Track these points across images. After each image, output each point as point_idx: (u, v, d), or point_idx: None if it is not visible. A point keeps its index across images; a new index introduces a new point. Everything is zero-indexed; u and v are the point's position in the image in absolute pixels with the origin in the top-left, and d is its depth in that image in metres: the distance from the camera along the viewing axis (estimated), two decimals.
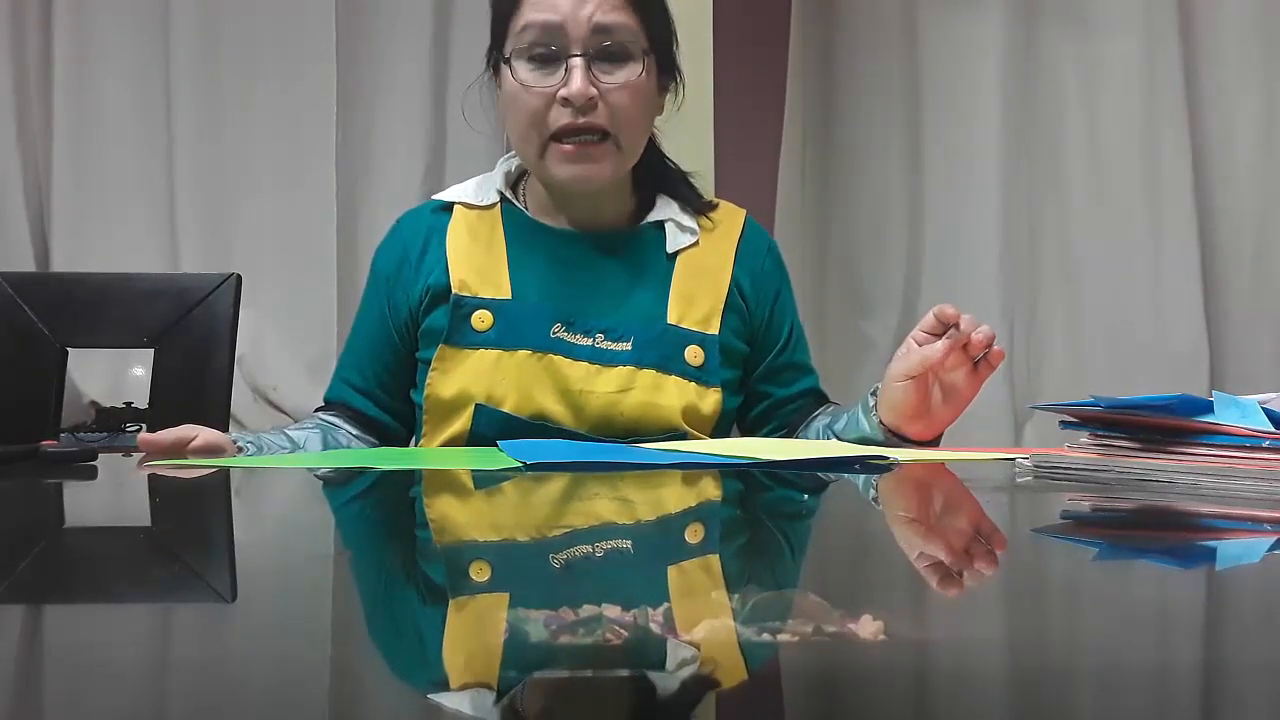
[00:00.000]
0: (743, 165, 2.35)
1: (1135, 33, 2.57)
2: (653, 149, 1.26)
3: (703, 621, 0.32)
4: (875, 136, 2.62)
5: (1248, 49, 2.57)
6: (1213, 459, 0.75)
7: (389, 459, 1.01)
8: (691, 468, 0.87)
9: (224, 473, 0.92)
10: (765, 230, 1.34)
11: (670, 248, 1.24)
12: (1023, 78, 2.59)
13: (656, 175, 1.27)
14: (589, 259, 1.22)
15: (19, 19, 2.39)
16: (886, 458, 0.91)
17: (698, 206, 1.27)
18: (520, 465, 0.84)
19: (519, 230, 1.23)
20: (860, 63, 2.63)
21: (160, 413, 1.41)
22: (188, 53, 2.39)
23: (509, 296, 1.19)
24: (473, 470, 0.88)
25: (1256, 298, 2.57)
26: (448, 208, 1.25)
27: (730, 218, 1.30)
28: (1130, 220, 2.58)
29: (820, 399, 1.31)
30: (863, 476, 0.87)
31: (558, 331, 1.18)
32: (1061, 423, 0.88)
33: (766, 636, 0.31)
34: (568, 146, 1.14)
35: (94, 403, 2.29)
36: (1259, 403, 0.77)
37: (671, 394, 1.18)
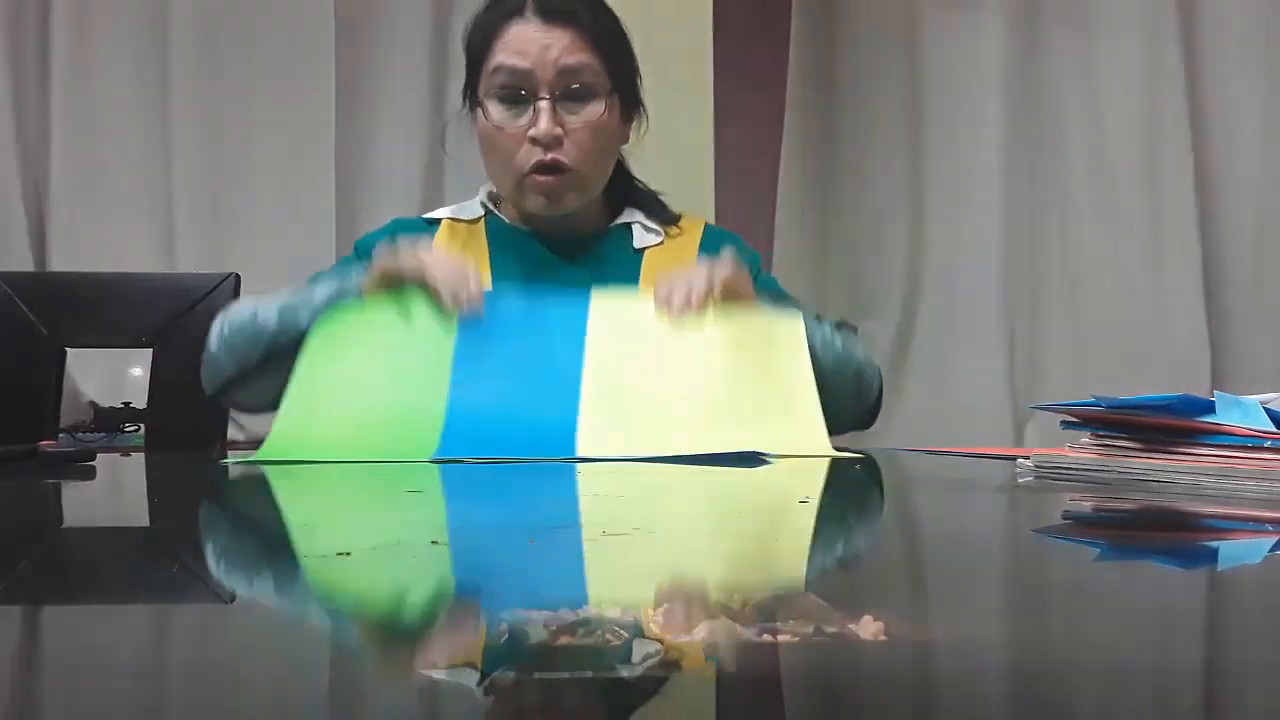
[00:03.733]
0: (743, 166, 2.35)
1: (1136, 32, 2.57)
2: (620, 172, 1.37)
3: (702, 622, 0.32)
4: (875, 137, 2.62)
5: (1249, 49, 2.57)
6: (1214, 459, 0.75)
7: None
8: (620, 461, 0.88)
9: (223, 471, 0.92)
10: (729, 232, 1.42)
11: (637, 244, 1.34)
12: (1023, 78, 2.59)
13: (624, 193, 1.38)
14: (564, 256, 1.32)
15: (18, 18, 2.39)
16: (764, 457, 0.92)
17: (663, 218, 1.37)
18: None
19: (500, 235, 1.33)
20: (860, 63, 2.63)
21: (159, 413, 1.41)
22: (186, 53, 2.39)
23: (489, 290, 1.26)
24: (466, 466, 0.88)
25: (1258, 297, 2.57)
26: (435, 222, 1.35)
27: (691, 225, 1.39)
28: (1131, 219, 2.58)
29: None
30: (865, 476, 0.87)
31: None
32: (1062, 423, 0.88)
33: (766, 637, 0.31)
34: (538, 179, 1.24)
35: (92, 403, 2.29)
36: (1260, 403, 0.77)
37: None
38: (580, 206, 1.30)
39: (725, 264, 1.14)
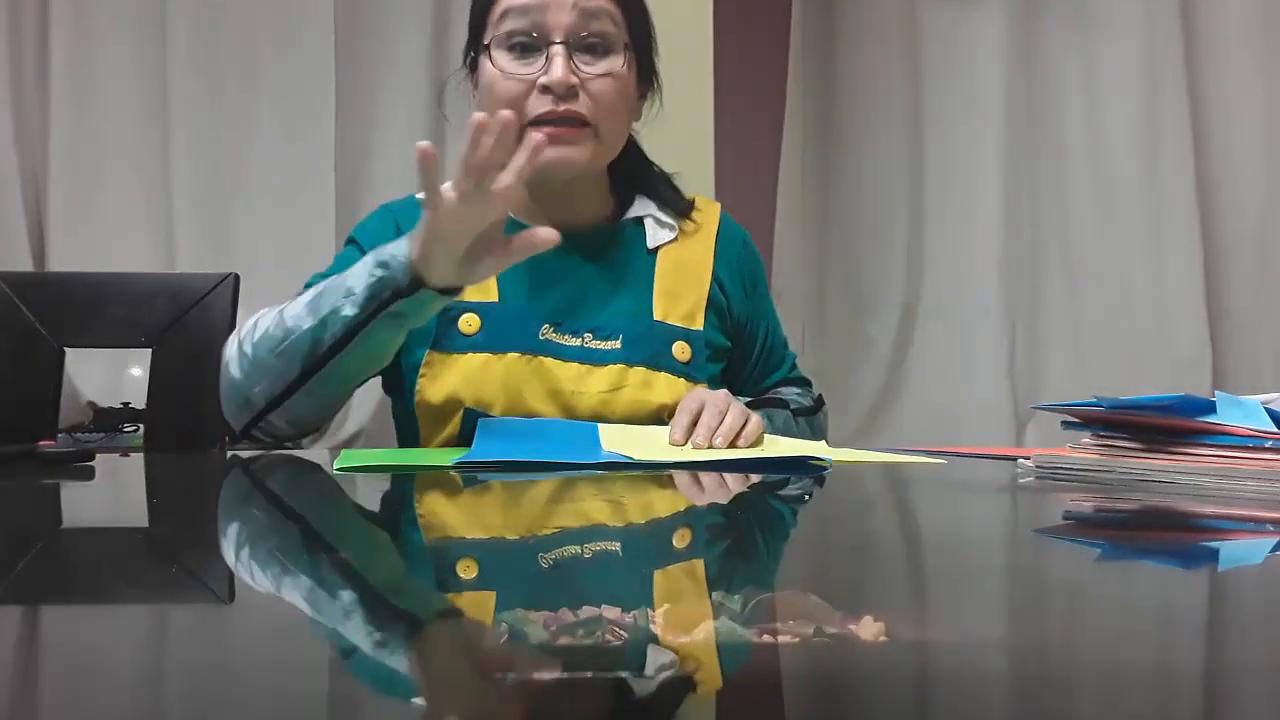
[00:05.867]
0: (743, 164, 2.35)
1: (1137, 32, 2.57)
2: (634, 149, 1.27)
3: (703, 622, 0.32)
4: (875, 136, 2.62)
5: (1249, 49, 2.57)
6: (1215, 459, 0.75)
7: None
8: (638, 468, 0.87)
9: (223, 469, 0.91)
10: (738, 225, 1.35)
11: (650, 244, 1.25)
12: (1024, 77, 2.59)
13: (636, 176, 1.28)
14: (573, 259, 1.21)
15: (16, 19, 2.39)
16: (824, 460, 0.91)
17: (679, 208, 1.28)
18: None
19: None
20: (860, 63, 2.63)
21: (158, 413, 1.41)
22: (186, 53, 2.39)
23: (496, 299, 1.19)
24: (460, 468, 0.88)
25: (1258, 298, 2.57)
26: None
27: (707, 212, 1.30)
28: (1132, 220, 2.58)
29: (790, 379, 1.37)
30: (863, 477, 0.87)
31: (546, 333, 1.18)
32: (1064, 423, 0.88)
33: (767, 638, 0.31)
34: (546, 129, 1.09)
35: (92, 403, 2.29)
36: (1261, 403, 0.77)
37: (662, 390, 1.18)
38: (589, 168, 1.17)
39: (755, 424, 1.02)
